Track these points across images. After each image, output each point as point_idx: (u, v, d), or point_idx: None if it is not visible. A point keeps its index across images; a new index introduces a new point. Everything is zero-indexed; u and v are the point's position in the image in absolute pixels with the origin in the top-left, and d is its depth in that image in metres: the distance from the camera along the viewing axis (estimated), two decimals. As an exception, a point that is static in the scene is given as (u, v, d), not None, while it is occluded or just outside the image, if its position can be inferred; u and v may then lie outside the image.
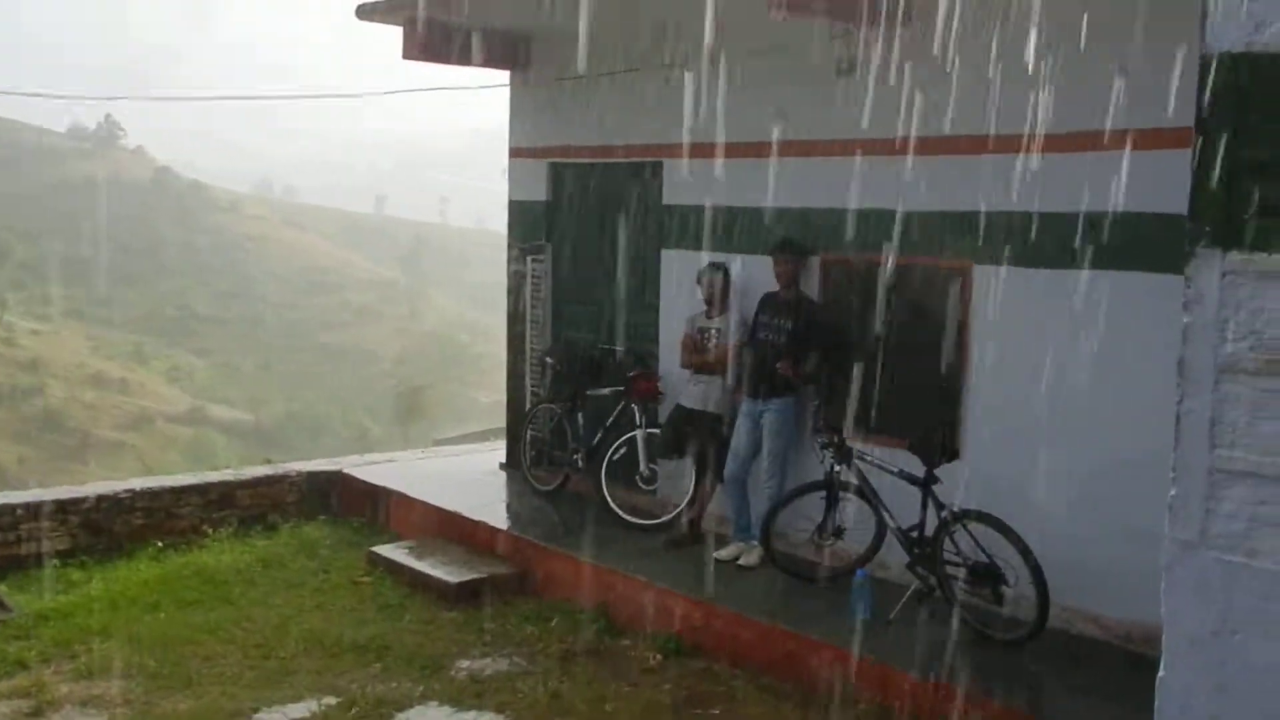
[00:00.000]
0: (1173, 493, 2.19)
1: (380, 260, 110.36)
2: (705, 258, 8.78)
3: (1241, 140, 2.01)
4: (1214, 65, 2.01)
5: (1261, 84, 1.96)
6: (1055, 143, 6.71)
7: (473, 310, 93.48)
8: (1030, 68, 6.55)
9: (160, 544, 9.31)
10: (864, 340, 7.93)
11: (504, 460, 10.90)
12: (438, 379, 69.32)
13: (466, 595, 8.31)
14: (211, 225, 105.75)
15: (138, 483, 9.77)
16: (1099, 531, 6.65)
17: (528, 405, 10.69)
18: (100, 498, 9.26)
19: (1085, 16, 6.33)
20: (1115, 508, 6.54)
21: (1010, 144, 6.90)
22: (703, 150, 8.87)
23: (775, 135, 8.24)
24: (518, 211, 10.71)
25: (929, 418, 7.58)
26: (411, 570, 8.68)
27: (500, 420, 11.34)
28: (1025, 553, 6.53)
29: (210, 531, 9.61)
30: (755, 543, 8.11)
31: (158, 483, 9.77)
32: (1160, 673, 2.30)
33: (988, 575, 6.73)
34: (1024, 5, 6.57)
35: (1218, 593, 2.15)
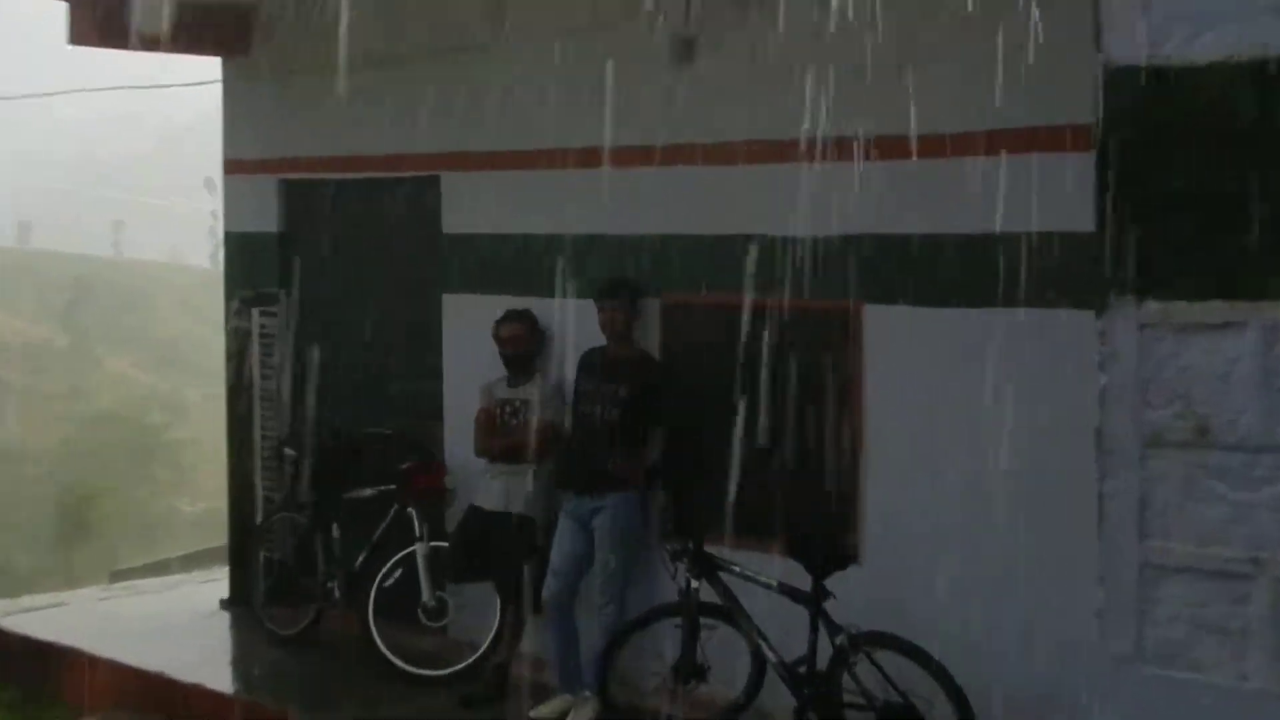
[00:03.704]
0: (1101, 595, 2.41)
1: (26, 314, 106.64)
2: (504, 304, 8.99)
3: (1147, 166, 2.30)
4: (1112, 81, 2.31)
5: (1166, 101, 2.26)
6: (960, 144, 7.19)
7: (166, 380, 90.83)
8: (928, 52, 7.06)
9: None
10: (724, 410, 8.18)
11: (227, 596, 10.87)
12: (119, 481, 67.02)
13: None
14: None
15: None
16: (1042, 650, 6.97)
17: (260, 516, 10.67)
18: None
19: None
20: (1060, 618, 6.87)
21: (900, 147, 7.32)
22: (496, 160, 9.13)
23: (595, 140, 8.44)
24: (239, 247, 10.78)
25: (814, 512, 7.87)
26: (98, 762, 8.62)
27: (217, 539, 11.41)
28: (949, 685, 6.85)
29: None
30: (588, 694, 8.26)
31: None
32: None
33: (902, 718, 7.03)
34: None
35: (1161, 717, 2.35)
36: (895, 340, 7.65)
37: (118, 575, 17.25)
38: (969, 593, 7.26)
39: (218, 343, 11.10)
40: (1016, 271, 7.06)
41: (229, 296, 10.89)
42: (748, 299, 7.94)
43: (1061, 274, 6.92)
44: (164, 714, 9.18)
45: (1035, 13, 6.47)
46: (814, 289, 7.76)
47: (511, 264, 9.15)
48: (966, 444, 7.32)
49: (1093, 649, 2.57)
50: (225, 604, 10.84)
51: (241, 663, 9.80)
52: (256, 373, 10.69)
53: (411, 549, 9.32)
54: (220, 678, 9.35)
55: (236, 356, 10.78)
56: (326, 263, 10.21)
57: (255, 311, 10.66)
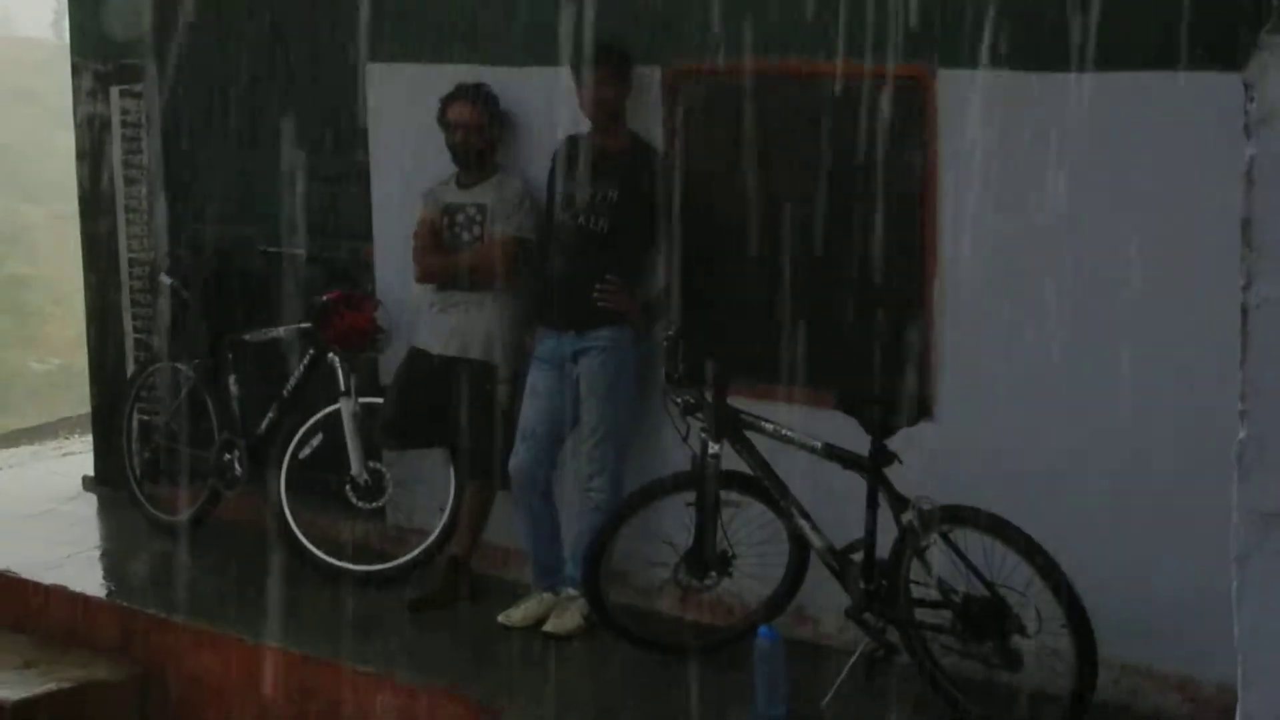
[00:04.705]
0: (1242, 435, 2.43)
1: None
2: (452, 77, 8.93)
3: None
4: None
5: None
6: None
7: (2, 197, 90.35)
8: None
9: None
10: (750, 217, 8.21)
11: (93, 473, 11.05)
12: (-61, 332, 67.05)
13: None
14: None
15: None
16: (1180, 534, 7.04)
17: (131, 367, 10.83)
18: None
19: None
20: (1206, 490, 6.51)
21: None
22: None
23: None
24: (88, 3, 10.76)
25: (873, 351, 7.91)
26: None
27: (76, 403, 11.62)
28: (1052, 575, 6.92)
29: None
30: (572, 592, 8.44)
31: None
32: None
33: (989, 618, 7.15)
34: None
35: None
36: (978, 119, 7.56)
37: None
38: (1078, 457, 7.36)
39: (66, 142, 11.09)
40: (1146, 16, 7.02)
41: (78, 71, 10.82)
42: (783, 65, 7.95)
43: (1208, 18, 6.79)
44: (11, 623, 9.33)
45: None
46: (871, 49, 7.70)
47: (461, 20, 9.06)
48: (1075, 259, 7.33)
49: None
50: (90, 483, 11.03)
51: (114, 558, 10.01)
52: (119, 176, 10.65)
53: (335, 407, 9.43)
54: (87, 578, 9.52)
55: (91, 155, 10.74)
56: (209, 21, 10.10)
57: (114, 92, 10.62)
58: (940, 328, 7.84)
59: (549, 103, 8.70)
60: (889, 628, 7.45)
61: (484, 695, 7.86)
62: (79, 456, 11.52)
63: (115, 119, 10.65)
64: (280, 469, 9.42)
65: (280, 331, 9.77)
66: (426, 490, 9.26)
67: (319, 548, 9.28)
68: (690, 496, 7.92)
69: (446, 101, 8.83)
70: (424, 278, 9.04)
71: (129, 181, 10.67)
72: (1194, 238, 6.90)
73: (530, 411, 8.60)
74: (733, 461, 7.87)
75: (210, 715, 8.60)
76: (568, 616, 8.44)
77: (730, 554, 7.96)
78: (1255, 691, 2.57)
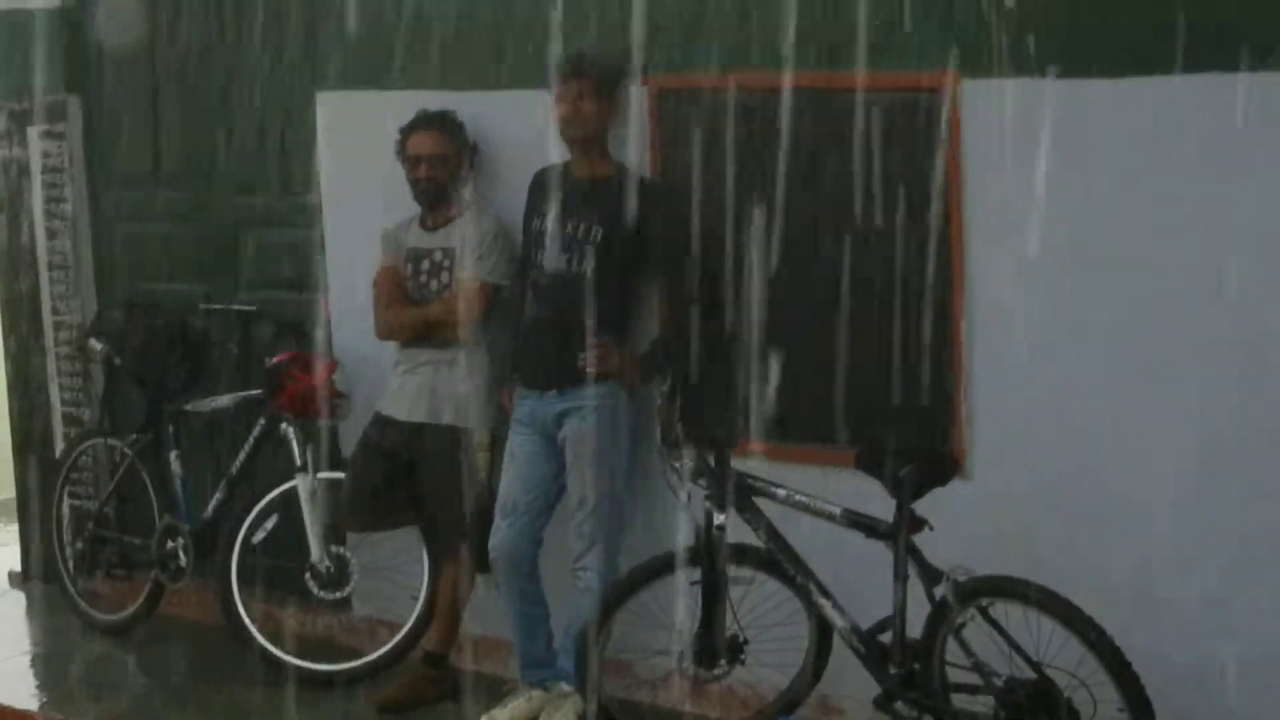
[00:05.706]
0: None
1: None
2: (413, 104, 8.76)
3: None
4: None
5: None
6: None
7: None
8: None
9: None
10: (752, 255, 8.05)
11: (19, 567, 11.01)
12: None
13: None
14: None
15: None
16: (1256, 597, 6.89)
17: (60, 445, 10.70)
18: None
19: None
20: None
21: None
22: None
23: None
24: (3, 34, 10.65)
25: (895, 401, 7.78)
26: None
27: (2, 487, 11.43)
28: (1106, 653, 6.68)
29: None
30: (565, 687, 8.23)
31: None
32: None
33: (1037, 703, 6.90)
34: None
35: None
36: (1010, 135, 7.36)
37: None
38: (1134, 514, 7.14)
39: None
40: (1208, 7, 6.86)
41: (-11, 111, 10.88)
42: (783, 78, 7.75)
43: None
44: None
45: None
46: (887, 56, 7.58)
47: (420, 39, 8.93)
48: (1119, 284, 7.19)
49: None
50: (17, 579, 10.98)
51: (46, 664, 9.87)
52: (40, 228, 10.56)
53: (290, 484, 9.25)
54: (15, 688, 9.37)
55: (9, 204, 10.65)
56: (139, 50, 10.03)
57: (33, 132, 10.53)
58: (970, 371, 7.68)
59: (525, 131, 8.58)
60: (924, 717, 7.23)
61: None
62: (3, 549, 11.42)
63: (35, 163, 10.64)
64: (230, 557, 9.19)
65: (226, 400, 9.63)
66: (397, 576, 9.04)
67: (277, 645, 9.09)
68: (695, 574, 7.67)
69: (407, 132, 8.68)
70: (385, 334, 8.85)
71: (52, 234, 10.63)
72: (1253, 253, 6.82)
73: (510, 483, 8.39)
74: (742, 533, 7.66)
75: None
76: (560, 715, 8.25)
77: (742, 639, 7.73)
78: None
